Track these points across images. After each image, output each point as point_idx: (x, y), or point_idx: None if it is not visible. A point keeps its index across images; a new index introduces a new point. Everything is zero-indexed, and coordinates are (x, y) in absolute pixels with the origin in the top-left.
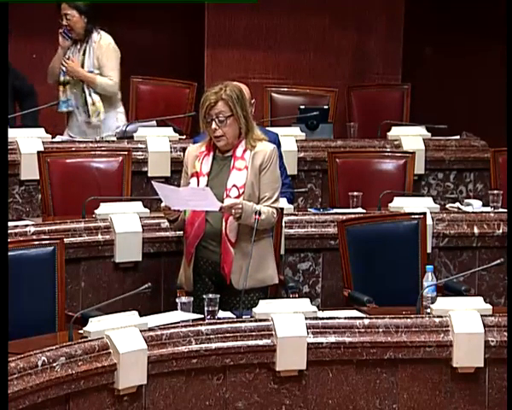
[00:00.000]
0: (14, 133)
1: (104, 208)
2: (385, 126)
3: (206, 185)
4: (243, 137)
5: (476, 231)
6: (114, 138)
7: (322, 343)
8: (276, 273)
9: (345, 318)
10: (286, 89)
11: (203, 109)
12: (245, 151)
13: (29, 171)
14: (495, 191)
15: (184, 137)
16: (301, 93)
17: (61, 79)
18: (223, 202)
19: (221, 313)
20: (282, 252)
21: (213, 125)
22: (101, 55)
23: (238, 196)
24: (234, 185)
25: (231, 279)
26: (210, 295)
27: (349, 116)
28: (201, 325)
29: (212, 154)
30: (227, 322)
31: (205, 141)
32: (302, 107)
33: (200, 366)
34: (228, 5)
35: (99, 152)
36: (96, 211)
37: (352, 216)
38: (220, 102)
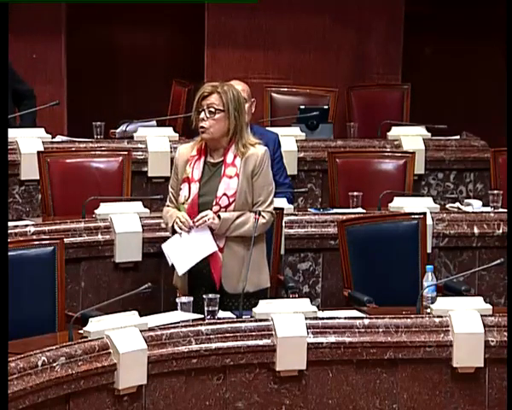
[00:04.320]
0: (14, 133)
1: (104, 208)
2: (385, 126)
3: (198, 192)
4: (233, 142)
5: (476, 231)
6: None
7: (322, 343)
8: (269, 276)
9: (345, 318)
10: (286, 89)
11: (196, 98)
12: (235, 157)
13: (29, 171)
14: (495, 191)
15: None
16: (301, 93)
17: None
18: (212, 209)
19: (221, 313)
20: (282, 252)
21: (202, 115)
22: None
23: (229, 205)
24: (224, 194)
25: (223, 284)
26: (210, 295)
27: (349, 116)
28: (201, 325)
29: (203, 159)
30: (227, 322)
31: (195, 142)
32: (302, 107)
33: (200, 366)
34: (228, 5)
35: (99, 152)
36: (96, 211)
37: (352, 216)
38: (215, 94)
